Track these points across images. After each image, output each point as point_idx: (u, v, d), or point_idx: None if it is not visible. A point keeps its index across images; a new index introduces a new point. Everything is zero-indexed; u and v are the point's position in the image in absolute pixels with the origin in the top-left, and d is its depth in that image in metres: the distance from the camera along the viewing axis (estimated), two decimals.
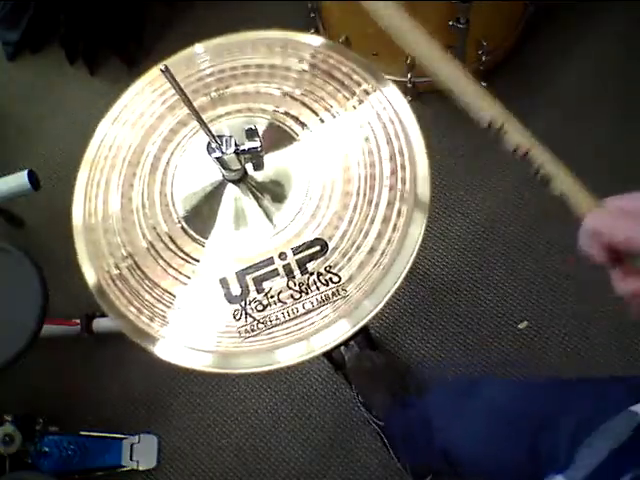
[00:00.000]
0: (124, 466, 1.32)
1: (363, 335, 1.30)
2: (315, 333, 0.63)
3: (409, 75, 1.42)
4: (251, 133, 0.66)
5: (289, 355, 0.62)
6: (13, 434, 1.19)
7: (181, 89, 0.58)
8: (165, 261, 0.69)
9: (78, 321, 1.37)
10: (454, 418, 0.81)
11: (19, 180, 1.13)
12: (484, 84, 0.53)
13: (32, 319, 1.02)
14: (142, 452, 1.34)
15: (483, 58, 1.41)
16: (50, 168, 1.62)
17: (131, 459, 1.33)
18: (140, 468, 1.33)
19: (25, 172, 1.13)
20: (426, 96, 1.51)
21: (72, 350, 1.42)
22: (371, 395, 1.24)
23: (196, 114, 0.61)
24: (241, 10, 1.67)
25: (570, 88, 1.51)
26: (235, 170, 0.69)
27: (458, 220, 1.43)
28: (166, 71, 0.56)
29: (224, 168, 0.68)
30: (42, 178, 1.17)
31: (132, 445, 1.34)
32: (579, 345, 1.30)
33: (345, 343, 1.28)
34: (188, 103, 0.60)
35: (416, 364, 1.33)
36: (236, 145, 0.65)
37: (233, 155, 0.65)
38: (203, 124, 0.62)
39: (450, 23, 1.24)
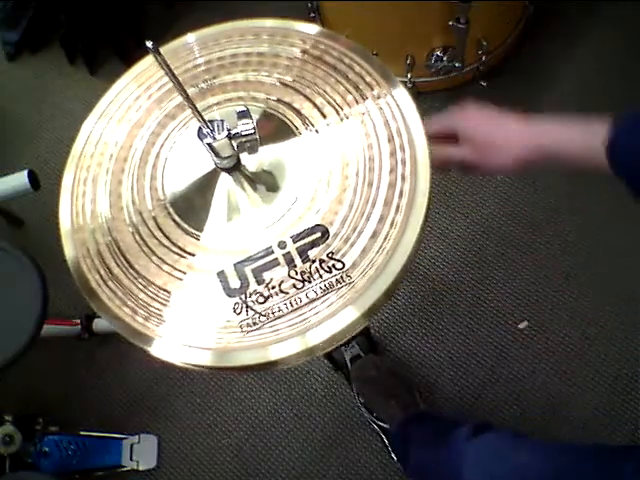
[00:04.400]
0: (124, 466, 1.32)
1: (364, 336, 1.30)
2: (320, 323, 0.60)
3: (409, 75, 1.42)
4: (243, 114, 0.64)
5: (290, 348, 0.60)
6: (13, 434, 1.19)
7: (170, 70, 0.56)
8: (158, 257, 0.67)
9: (78, 321, 1.37)
10: (484, 476, 0.79)
11: (19, 180, 1.13)
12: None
13: (32, 319, 1.02)
14: (142, 452, 1.33)
15: (483, 58, 1.41)
16: (50, 168, 1.62)
17: (131, 459, 1.32)
18: (140, 468, 1.32)
19: (25, 172, 1.13)
20: (426, 96, 1.51)
21: (72, 350, 1.42)
22: (378, 404, 1.22)
23: (186, 97, 0.59)
24: (240, 10, 1.66)
25: (570, 88, 1.51)
26: (228, 157, 0.67)
27: (458, 220, 1.43)
28: (154, 50, 0.53)
29: (216, 155, 0.66)
30: (42, 178, 1.17)
31: (132, 445, 1.34)
32: (579, 345, 1.30)
33: (345, 343, 1.27)
34: (178, 86, 0.58)
35: (416, 364, 1.33)
36: (228, 130, 0.63)
37: (225, 140, 0.63)
38: (194, 108, 0.60)
39: (450, 23, 1.24)
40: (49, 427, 1.30)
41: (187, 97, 0.60)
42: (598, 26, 1.57)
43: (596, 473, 0.59)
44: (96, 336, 1.39)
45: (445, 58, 1.37)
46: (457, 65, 1.38)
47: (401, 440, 1.17)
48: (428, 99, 1.51)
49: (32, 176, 1.13)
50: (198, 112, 0.61)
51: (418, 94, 1.49)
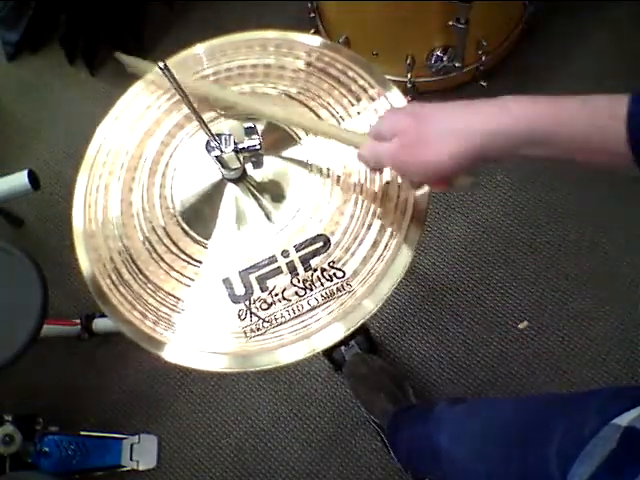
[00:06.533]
0: (124, 466, 1.32)
1: (364, 335, 1.30)
2: (322, 329, 0.62)
3: (409, 75, 1.42)
4: (250, 131, 0.66)
5: (296, 353, 0.62)
6: (13, 434, 1.19)
7: (180, 86, 0.58)
8: (167, 264, 0.69)
9: (78, 321, 1.37)
10: (456, 438, 0.81)
11: (19, 180, 1.13)
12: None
13: (32, 319, 1.02)
14: (142, 452, 1.33)
15: (483, 58, 1.41)
16: (50, 168, 1.62)
17: (131, 459, 1.33)
18: (140, 468, 1.32)
19: (25, 172, 1.13)
20: (426, 96, 1.51)
21: (72, 350, 1.42)
22: (370, 400, 1.23)
23: (195, 112, 0.61)
24: (241, 10, 1.67)
25: (570, 88, 1.51)
26: (234, 169, 0.69)
27: (458, 220, 1.43)
28: (165, 68, 0.55)
29: (223, 167, 0.68)
30: (42, 178, 1.17)
31: (132, 445, 1.34)
32: (579, 345, 1.30)
33: (345, 342, 1.28)
34: (187, 101, 0.60)
35: (416, 364, 1.33)
36: (235, 143, 0.65)
37: (232, 153, 0.65)
38: (202, 122, 0.62)
39: (450, 23, 1.24)
40: (49, 427, 1.30)
41: (196, 112, 0.61)
42: (599, 26, 1.56)
43: (559, 417, 0.60)
44: (96, 336, 1.39)
45: (445, 58, 1.37)
46: (457, 65, 1.38)
47: (392, 432, 1.18)
48: (428, 99, 1.51)
49: (32, 176, 1.14)
50: (206, 126, 0.63)
51: (418, 94, 1.49)
